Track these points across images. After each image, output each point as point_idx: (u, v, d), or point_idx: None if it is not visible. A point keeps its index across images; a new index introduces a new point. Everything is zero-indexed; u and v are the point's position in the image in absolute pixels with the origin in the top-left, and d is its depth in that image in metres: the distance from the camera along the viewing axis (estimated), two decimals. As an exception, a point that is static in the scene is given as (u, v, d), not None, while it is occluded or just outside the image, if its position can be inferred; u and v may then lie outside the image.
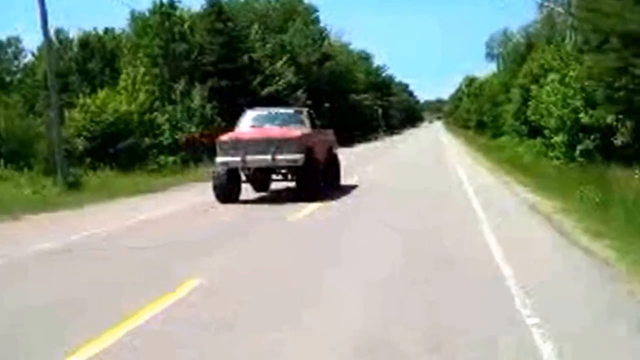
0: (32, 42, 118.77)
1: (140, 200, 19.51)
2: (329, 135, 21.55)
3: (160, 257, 9.94)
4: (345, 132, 72.72)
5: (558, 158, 25.60)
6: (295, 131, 17.95)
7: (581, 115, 24.07)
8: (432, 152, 44.30)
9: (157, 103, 32.31)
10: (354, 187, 20.63)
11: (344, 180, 21.40)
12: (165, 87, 37.30)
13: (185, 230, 13.22)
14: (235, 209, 16.27)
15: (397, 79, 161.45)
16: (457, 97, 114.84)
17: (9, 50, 65.60)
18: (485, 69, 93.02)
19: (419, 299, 7.08)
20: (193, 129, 34.35)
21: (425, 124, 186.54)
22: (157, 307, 6.87)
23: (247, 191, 18.44)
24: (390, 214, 14.30)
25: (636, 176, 16.16)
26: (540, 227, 11.92)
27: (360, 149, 53.79)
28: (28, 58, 64.02)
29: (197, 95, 35.36)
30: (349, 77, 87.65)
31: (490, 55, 75.05)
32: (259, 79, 44.03)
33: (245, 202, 17.62)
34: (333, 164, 20.52)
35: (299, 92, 52.58)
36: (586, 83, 24.07)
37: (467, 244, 10.34)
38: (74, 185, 21.44)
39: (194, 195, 19.98)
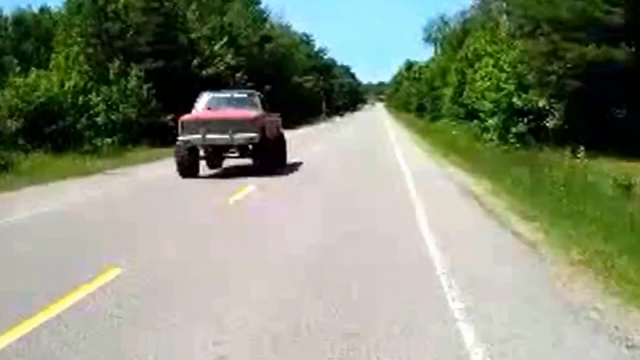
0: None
1: (69, 184, 18.85)
2: (276, 117, 23.08)
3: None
4: (288, 114, 72.63)
5: (493, 140, 26.03)
6: (251, 112, 19.63)
7: (514, 99, 24.51)
8: (372, 134, 44.52)
9: (90, 83, 31.51)
10: (299, 164, 22.09)
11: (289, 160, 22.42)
12: (100, 67, 36.45)
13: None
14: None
15: (340, 62, 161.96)
16: (397, 81, 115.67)
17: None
18: (424, 53, 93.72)
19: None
20: (129, 110, 33.80)
21: (368, 106, 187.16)
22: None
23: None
24: (330, 190, 15.44)
25: (567, 157, 16.49)
26: (473, 209, 12.02)
27: (303, 131, 53.63)
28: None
29: (134, 76, 34.71)
30: (290, 60, 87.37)
31: (428, 40, 75.73)
32: (197, 60, 43.36)
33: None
34: (280, 144, 22.02)
35: (239, 74, 52.10)
36: (519, 67, 24.52)
37: (397, 225, 10.44)
38: (4, 168, 20.89)
39: (130, 178, 19.97)
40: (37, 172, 21.11)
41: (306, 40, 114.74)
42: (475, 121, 30.27)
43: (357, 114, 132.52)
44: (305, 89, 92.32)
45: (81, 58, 37.00)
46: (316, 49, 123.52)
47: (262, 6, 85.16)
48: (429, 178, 17.11)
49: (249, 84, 53.11)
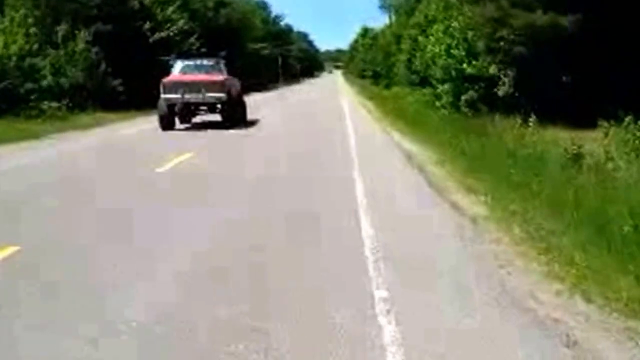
0: None
1: (9, 149, 18.30)
2: (237, 81, 27.10)
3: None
4: (244, 80, 71.99)
5: (445, 107, 25.96)
6: (219, 76, 24.12)
7: (464, 65, 24.42)
8: (324, 101, 44.30)
9: (35, 46, 30.64)
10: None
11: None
12: (47, 30, 35.53)
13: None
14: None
15: (297, 29, 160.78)
16: (354, 48, 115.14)
17: None
18: (382, 20, 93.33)
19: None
20: (77, 74, 33.07)
21: (325, 73, 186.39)
22: None
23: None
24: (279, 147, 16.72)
25: (517, 126, 16.45)
26: (414, 178, 11.82)
27: (258, 97, 53.22)
28: None
29: (81, 39, 33.93)
30: (246, 26, 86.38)
31: (384, 7, 75.21)
32: (149, 25, 42.52)
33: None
34: (241, 104, 26.05)
35: (192, 39, 51.31)
36: (469, 34, 24.43)
37: (333, 192, 10.36)
38: None
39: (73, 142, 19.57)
40: None
41: (262, 6, 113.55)
42: (428, 88, 30.21)
43: (313, 80, 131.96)
44: (262, 56, 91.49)
45: (30, 21, 36.04)
46: (273, 15, 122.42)
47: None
48: (373, 145, 17.15)
49: (203, 49, 52.41)
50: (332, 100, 43.14)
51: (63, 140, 20.69)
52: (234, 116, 23.99)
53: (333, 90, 67.01)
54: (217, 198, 9.93)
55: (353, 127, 22.08)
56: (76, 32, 34.42)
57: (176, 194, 10.46)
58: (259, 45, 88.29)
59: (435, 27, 29.40)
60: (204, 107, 23.91)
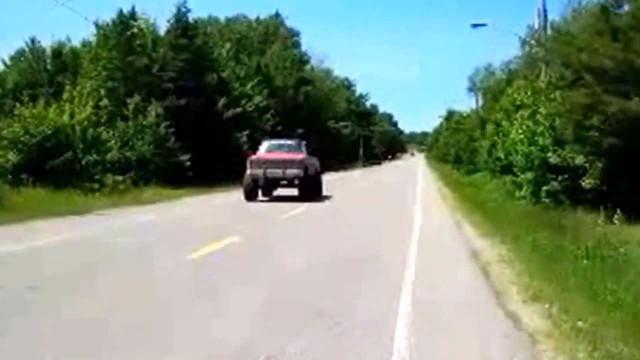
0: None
1: (50, 224, 17.29)
2: (316, 160, 29.84)
3: None
4: (322, 159, 71.28)
5: (525, 198, 23.97)
6: (298, 155, 27.35)
7: (549, 154, 22.42)
8: (400, 185, 42.68)
9: (104, 118, 30.12)
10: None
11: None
12: (118, 102, 35.22)
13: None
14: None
15: (382, 110, 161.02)
16: (438, 131, 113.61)
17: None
18: (469, 103, 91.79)
19: None
20: (144, 148, 32.35)
21: (407, 156, 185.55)
22: None
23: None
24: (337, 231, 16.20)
25: (600, 222, 14.52)
26: (473, 279, 10.01)
27: (335, 176, 52.04)
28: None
29: (152, 112, 33.35)
30: (328, 104, 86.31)
31: (472, 89, 73.85)
32: (225, 100, 41.95)
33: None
34: (318, 180, 28.88)
35: (268, 115, 50.75)
36: (556, 121, 22.50)
37: (379, 283, 8.42)
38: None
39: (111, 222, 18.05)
40: (22, 208, 19.74)
41: (347, 85, 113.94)
42: (509, 176, 28.20)
43: (394, 162, 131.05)
44: (342, 135, 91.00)
45: (102, 92, 35.88)
46: (357, 94, 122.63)
47: (302, 50, 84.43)
48: (439, 234, 15.51)
49: (279, 127, 51.85)
50: (407, 185, 41.39)
51: (110, 217, 19.45)
52: (310, 191, 26.56)
53: (411, 173, 65.21)
54: (235, 302, 8.01)
55: (422, 215, 20.43)
56: (147, 105, 33.81)
57: (188, 294, 8.54)
58: (340, 124, 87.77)
59: (520, 112, 27.61)
60: (284, 182, 26.91)
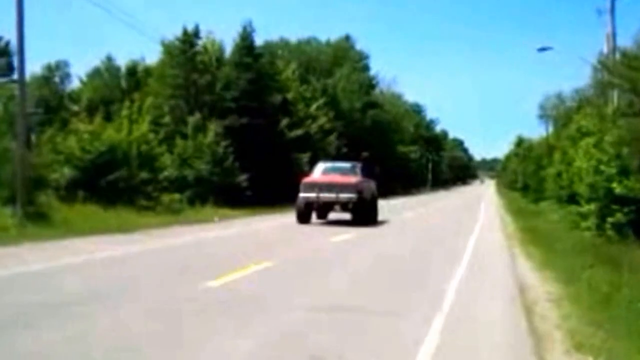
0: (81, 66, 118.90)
1: (87, 243, 16.99)
2: (373, 183, 29.27)
3: None
4: (389, 183, 70.56)
5: (590, 230, 22.80)
6: (352, 178, 26.74)
7: (614, 184, 21.29)
8: (463, 212, 41.59)
9: (161, 135, 30.16)
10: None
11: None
12: (179, 119, 35.31)
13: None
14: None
15: (452, 135, 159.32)
16: (507, 158, 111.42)
17: (57, 74, 65.30)
18: (539, 131, 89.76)
19: None
20: (202, 166, 32.25)
21: (477, 182, 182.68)
22: None
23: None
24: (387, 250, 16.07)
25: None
26: (515, 320, 9.08)
27: (399, 201, 51.09)
28: (74, 83, 63.85)
29: (211, 131, 33.25)
30: (397, 128, 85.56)
31: (542, 117, 72.20)
32: (287, 120, 41.69)
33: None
34: (374, 205, 28.17)
35: (332, 137, 50.33)
36: (624, 149, 21.42)
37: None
38: (37, 217, 19.43)
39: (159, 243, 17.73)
40: (70, 224, 19.67)
41: (417, 110, 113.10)
42: (574, 206, 27.01)
43: (462, 188, 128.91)
44: (410, 160, 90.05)
45: (165, 109, 36.09)
46: (427, 119, 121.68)
47: (371, 73, 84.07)
48: (487, 270, 14.48)
49: (344, 149, 51.41)
50: (470, 212, 40.27)
51: (153, 237, 19.10)
52: (363, 215, 26.03)
53: (477, 201, 63.68)
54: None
55: (475, 245, 19.53)
56: (207, 123, 33.78)
57: (178, 336, 7.55)
58: (408, 148, 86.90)
59: (585, 140, 26.47)
60: (338, 206, 26.21)
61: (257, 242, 19.42)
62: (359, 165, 29.70)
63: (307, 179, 26.98)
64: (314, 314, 8.91)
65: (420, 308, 9.57)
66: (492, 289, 11.75)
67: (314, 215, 26.90)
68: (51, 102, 56.76)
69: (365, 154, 58.42)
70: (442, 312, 9.21)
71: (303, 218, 25.94)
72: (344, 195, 25.49)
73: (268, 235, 22.56)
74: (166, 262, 14.18)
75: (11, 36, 55.32)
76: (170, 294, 10.01)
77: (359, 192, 25.83)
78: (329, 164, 30.05)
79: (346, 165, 29.88)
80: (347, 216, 26.69)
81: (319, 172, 28.28)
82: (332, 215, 27.62)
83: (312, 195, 25.60)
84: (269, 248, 17.13)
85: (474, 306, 10.01)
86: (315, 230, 23.96)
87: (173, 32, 39.74)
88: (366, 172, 28.93)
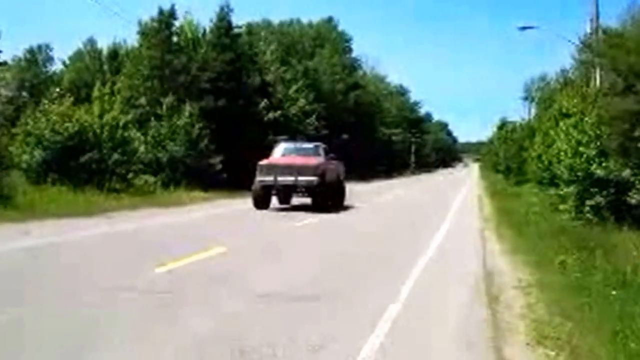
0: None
1: (45, 226, 16.51)
2: (339, 165, 27.77)
3: None
4: (370, 165, 70.09)
5: (569, 212, 22.40)
6: (313, 160, 24.79)
7: (594, 166, 20.84)
8: (442, 193, 41.45)
9: (132, 117, 29.48)
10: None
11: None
12: (155, 101, 34.58)
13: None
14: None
15: (437, 118, 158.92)
16: (491, 140, 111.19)
17: (40, 57, 64.51)
18: (524, 113, 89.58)
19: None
20: (176, 149, 31.60)
21: (461, 165, 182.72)
22: None
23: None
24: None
25: (644, 243, 13.06)
26: (477, 309, 8.57)
27: (381, 184, 50.61)
28: (57, 66, 63.22)
29: (185, 113, 32.58)
30: (379, 110, 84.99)
31: (527, 99, 72.11)
32: (266, 102, 40.96)
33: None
34: (340, 188, 26.60)
35: (312, 119, 49.68)
36: (603, 130, 20.95)
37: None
38: (1, 200, 18.87)
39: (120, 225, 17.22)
40: (35, 207, 19.28)
41: (401, 92, 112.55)
42: (553, 189, 26.60)
43: (445, 171, 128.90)
44: (393, 142, 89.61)
45: (140, 91, 35.40)
46: (411, 101, 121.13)
47: (354, 55, 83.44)
48: (455, 255, 14.06)
49: (325, 131, 50.84)
50: (448, 195, 39.80)
51: (117, 220, 18.53)
52: (325, 200, 24.13)
53: (458, 183, 63.51)
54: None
55: (448, 229, 19.25)
56: (182, 105, 33.10)
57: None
58: (390, 131, 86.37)
59: (565, 121, 26.05)
60: (301, 190, 24.54)
61: (216, 227, 18.79)
62: (322, 145, 27.60)
63: (263, 161, 24.89)
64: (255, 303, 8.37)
65: (375, 295, 9.16)
66: (456, 276, 11.21)
67: (275, 200, 25.36)
68: (35, 85, 56.17)
69: (345, 136, 57.94)
70: (398, 302, 8.66)
71: (260, 203, 24.01)
72: (303, 179, 23.59)
73: (232, 219, 21.95)
74: (119, 248, 13.67)
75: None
76: (109, 283, 9.31)
77: (320, 175, 23.88)
78: (290, 145, 27.88)
79: (308, 145, 27.80)
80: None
81: (279, 153, 26.15)
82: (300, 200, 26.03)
83: (270, 178, 23.71)
84: (228, 233, 16.68)
85: (432, 295, 9.56)
86: (282, 215, 22.88)
87: (151, 14, 38.95)
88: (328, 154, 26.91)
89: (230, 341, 6.45)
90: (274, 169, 23.86)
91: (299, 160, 24.64)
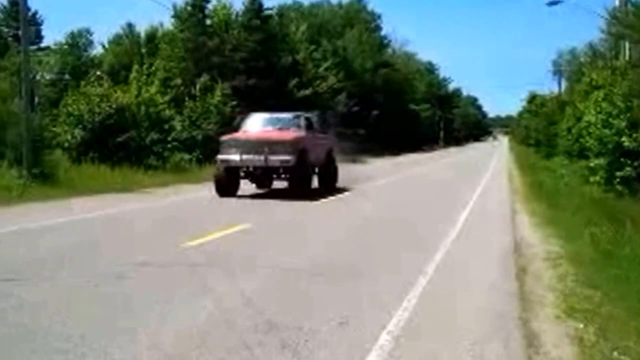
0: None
1: (86, 201, 17.34)
2: (329, 139, 22.71)
3: None
4: (401, 141, 70.41)
5: (599, 184, 22.67)
6: (289, 134, 19.43)
7: (624, 138, 21.10)
8: (470, 167, 41.44)
9: (170, 97, 30.25)
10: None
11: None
12: (190, 82, 35.41)
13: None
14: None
15: (466, 94, 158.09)
16: (521, 114, 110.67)
17: (80, 42, 65.57)
18: (553, 87, 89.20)
19: None
20: (210, 127, 32.33)
21: (490, 139, 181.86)
22: None
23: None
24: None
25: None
26: (505, 281, 8.54)
27: (401, 159, 50.82)
28: (97, 49, 64.40)
29: (218, 92, 33.31)
30: (408, 87, 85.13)
31: (556, 73, 71.79)
32: (296, 80, 41.64)
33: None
34: (330, 167, 22.07)
35: (341, 96, 50.18)
36: (634, 102, 21.20)
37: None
38: (43, 178, 19.67)
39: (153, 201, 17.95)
40: (76, 184, 20.23)
41: (430, 69, 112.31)
42: (583, 161, 26.83)
43: (475, 145, 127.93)
44: (422, 118, 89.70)
45: (176, 71, 36.17)
46: (440, 77, 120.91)
47: (383, 33, 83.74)
48: (483, 227, 14.06)
49: (355, 108, 51.32)
50: (478, 168, 39.92)
51: (155, 195, 19.36)
52: (303, 184, 19.15)
53: (487, 157, 63.02)
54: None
55: (476, 202, 19.32)
56: (215, 84, 33.81)
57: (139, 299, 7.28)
58: (419, 106, 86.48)
59: (595, 93, 26.22)
60: (276, 172, 19.42)
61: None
62: (306, 115, 22.16)
63: (226, 136, 20.23)
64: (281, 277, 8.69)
65: (404, 267, 9.41)
66: (486, 248, 11.27)
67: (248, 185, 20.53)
68: (77, 68, 57.29)
69: (375, 112, 58.33)
70: (426, 274, 8.76)
71: (223, 188, 18.97)
72: (276, 158, 18.43)
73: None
74: (152, 222, 14.21)
75: (37, 6, 56.09)
76: (143, 255, 9.65)
77: (299, 153, 18.79)
78: (265, 115, 22.00)
79: (286, 115, 21.82)
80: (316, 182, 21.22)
81: (249, 125, 20.88)
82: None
83: (234, 157, 18.69)
84: (256, 209, 16.63)
85: (460, 267, 9.53)
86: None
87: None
88: (322, 125, 22.53)
89: (257, 314, 6.55)
90: (239, 145, 18.88)
91: (271, 134, 19.58)
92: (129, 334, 5.83)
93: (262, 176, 19.83)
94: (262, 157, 18.36)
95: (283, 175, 19.26)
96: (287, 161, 18.34)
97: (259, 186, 21.10)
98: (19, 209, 15.43)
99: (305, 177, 19.35)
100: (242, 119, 22.14)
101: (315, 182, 21.10)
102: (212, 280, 8.05)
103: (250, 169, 19.16)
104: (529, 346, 5.88)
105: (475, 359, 5.47)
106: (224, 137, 19.95)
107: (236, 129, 21.62)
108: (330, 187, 21.54)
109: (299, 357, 5.35)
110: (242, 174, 19.38)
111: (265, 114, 22.12)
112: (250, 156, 18.54)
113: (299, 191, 18.67)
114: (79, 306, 6.84)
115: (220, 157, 19.17)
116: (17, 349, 5.48)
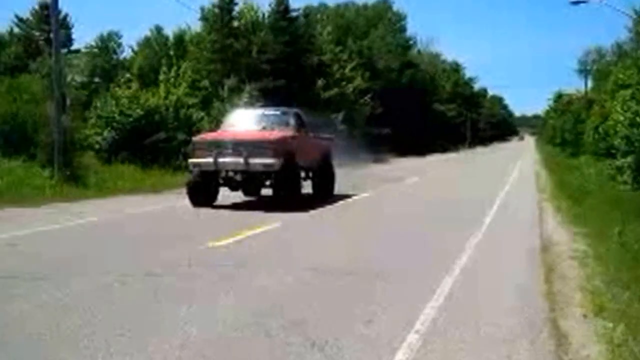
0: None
1: (120, 203, 17.48)
2: (325, 141, 20.44)
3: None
4: (426, 141, 70.47)
5: (626, 184, 22.68)
6: (273, 134, 16.76)
7: (651, 136, 21.19)
8: (496, 168, 41.03)
9: (198, 98, 30.65)
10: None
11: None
12: (217, 83, 35.86)
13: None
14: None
15: (492, 93, 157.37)
16: (547, 113, 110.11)
17: (110, 45, 66.49)
18: (579, 86, 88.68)
19: None
20: (238, 128, 32.74)
21: (517, 138, 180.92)
22: None
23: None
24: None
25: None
26: (532, 280, 8.55)
27: (432, 158, 50.84)
28: (127, 52, 65.30)
29: (246, 93, 33.69)
30: (433, 87, 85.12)
31: (582, 72, 71.54)
32: (322, 81, 41.99)
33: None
34: (326, 173, 19.49)
35: (367, 97, 50.38)
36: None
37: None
38: (73, 179, 20.12)
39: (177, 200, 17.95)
40: (106, 185, 20.68)
41: (455, 69, 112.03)
42: (610, 160, 26.85)
43: (502, 145, 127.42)
44: (448, 117, 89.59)
45: (204, 73, 36.60)
46: (466, 77, 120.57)
47: (408, 34, 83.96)
48: (511, 225, 14.22)
49: (380, 109, 51.50)
50: (505, 168, 39.55)
51: (181, 195, 19.03)
52: (289, 193, 16.37)
53: (514, 156, 62.57)
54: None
55: (504, 199, 19.53)
56: (242, 86, 34.22)
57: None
58: (445, 106, 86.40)
59: (622, 92, 26.23)
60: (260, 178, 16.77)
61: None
62: (294, 111, 19.11)
63: (199, 136, 18.19)
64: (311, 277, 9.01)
65: (431, 272, 9.65)
66: (513, 246, 11.33)
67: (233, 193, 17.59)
68: (107, 70, 58.07)
69: (400, 112, 58.46)
70: (453, 272, 8.81)
71: (196, 196, 16.39)
72: (257, 161, 15.77)
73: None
74: (181, 221, 14.41)
75: (67, 9, 56.93)
76: (170, 254, 9.81)
77: (287, 155, 16.28)
78: (250, 112, 20.41)
79: (273, 112, 19.04)
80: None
81: (230, 123, 18.43)
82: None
83: (207, 161, 16.09)
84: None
85: (488, 265, 9.63)
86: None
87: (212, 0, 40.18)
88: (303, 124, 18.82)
89: (283, 314, 6.53)
90: (213, 146, 16.25)
91: (252, 134, 16.85)
92: (157, 333, 5.86)
93: (244, 182, 16.85)
94: (241, 160, 15.70)
95: (268, 182, 16.64)
96: (270, 165, 15.78)
97: (247, 193, 18.52)
98: (48, 210, 15.58)
99: (294, 184, 16.70)
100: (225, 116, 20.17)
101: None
102: (239, 279, 8.21)
103: (230, 174, 16.39)
104: (560, 345, 5.87)
105: (503, 359, 5.47)
106: (196, 137, 17.87)
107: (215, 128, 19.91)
108: (324, 195, 18.85)
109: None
110: (220, 180, 16.68)
111: (250, 110, 20.70)
112: (227, 159, 15.91)
113: (286, 199, 16.11)
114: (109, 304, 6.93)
115: (191, 160, 16.64)
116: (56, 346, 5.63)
